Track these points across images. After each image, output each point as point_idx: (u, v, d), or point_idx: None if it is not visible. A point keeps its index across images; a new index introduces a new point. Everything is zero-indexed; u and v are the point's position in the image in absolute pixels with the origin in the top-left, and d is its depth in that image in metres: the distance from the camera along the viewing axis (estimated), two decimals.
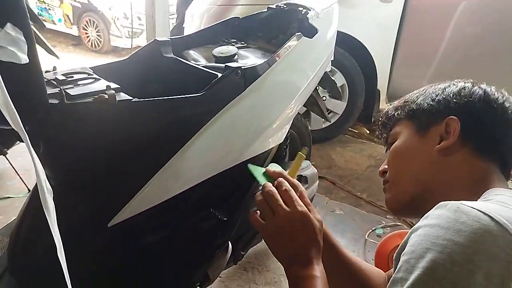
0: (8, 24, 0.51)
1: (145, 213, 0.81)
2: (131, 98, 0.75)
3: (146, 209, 0.81)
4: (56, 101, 0.69)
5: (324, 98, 2.45)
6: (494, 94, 0.66)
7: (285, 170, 0.72)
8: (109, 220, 0.79)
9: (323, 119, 2.45)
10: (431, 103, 0.69)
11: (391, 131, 0.77)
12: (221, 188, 0.93)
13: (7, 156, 1.82)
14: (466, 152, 0.64)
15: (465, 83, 0.70)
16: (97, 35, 5.99)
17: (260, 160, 0.98)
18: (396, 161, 0.73)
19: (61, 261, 0.55)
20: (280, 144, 1.08)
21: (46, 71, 0.83)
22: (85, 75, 0.80)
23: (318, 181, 1.36)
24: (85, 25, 6.03)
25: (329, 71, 1.31)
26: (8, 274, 0.84)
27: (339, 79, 2.54)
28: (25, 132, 0.55)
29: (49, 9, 6.14)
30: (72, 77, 0.79)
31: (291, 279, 0.63)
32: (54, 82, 0.75)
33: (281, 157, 1.37)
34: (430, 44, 2.54)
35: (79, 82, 0.77)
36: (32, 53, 0.58)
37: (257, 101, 0.93)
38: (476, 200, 0.56)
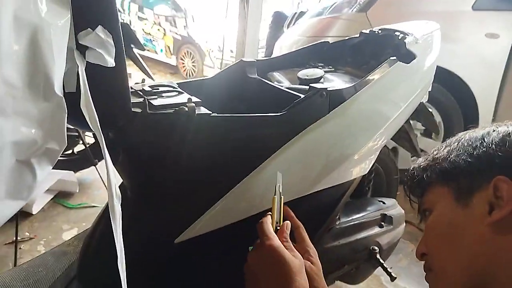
0: (99, 27, 0.52)
1: (212, 233, 0.78)
2: (210, 112, 0.73)
3: (214, 230, 0.78)
4: (139, 110, 0.70)
5: (417, 135, 2.26)
6: None
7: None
8: (177, 236, 0.77)
9: (412, 157, 2.26)
10: (469, 159, 0.54)
11: (423, 197, 0.62)
12: (296, 215, 0.85)
13: (97, 166, 1.97)
14: None
15: (508, 126, 0.55)
16: (192, 65, 6.43)
17: (339, 191, 0.90)
18: (436, 242, 0.57)
19: (120, 270, 0.52)
20: (363, 177, 0.99)
21: (136, 83, 0.86)
22: (170, 88, 0.81)
23: (404, 224, 1.22)
24: (183, 56, 6.52)
25: (426, 101, 1.19)
26: (77, 281, 0.85)
27: (435, 117, 2.34)
28: (102, 135, 0.55)
29: (153, 40, 6.77)
30: (158, 89, 0.80)
31: None
32: (140, 93, 0.76)
33: (363, 192, 1.26)
34: None
35: (164, 94, 0.78)
36: (119, 58, 0.59)
37: (340, 127, 0.86)
38: None
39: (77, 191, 2.13)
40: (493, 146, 0.53)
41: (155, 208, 0.79)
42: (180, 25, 6.46)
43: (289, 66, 1.12)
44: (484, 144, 0.54)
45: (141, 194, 0.81)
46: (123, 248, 0.56)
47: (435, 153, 0.63)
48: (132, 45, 2.00)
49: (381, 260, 1.01)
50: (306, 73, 1.00)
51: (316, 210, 0.88)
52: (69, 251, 1.05)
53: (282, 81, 1.04)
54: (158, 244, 0.79)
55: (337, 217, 0.98)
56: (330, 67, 1.12)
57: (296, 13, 3.49)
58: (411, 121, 1.43)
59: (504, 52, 2.28)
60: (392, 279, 0.96)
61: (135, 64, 2.02)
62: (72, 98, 0.53)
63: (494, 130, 0.56)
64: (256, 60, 1.06)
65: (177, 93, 0.80)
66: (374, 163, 1.25)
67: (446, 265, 0.54)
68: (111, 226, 0.85)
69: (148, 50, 6.85)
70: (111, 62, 0.57)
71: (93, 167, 2.01)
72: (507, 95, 2.34)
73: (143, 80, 0.86)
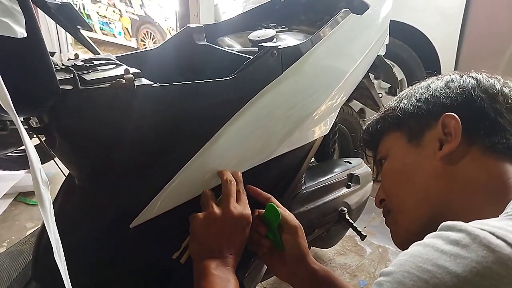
0: None
1: (171, 213, 0.73)
2: (151, 82, 0.67)
3: (172, 209, 0.73)
4: (69, 87, 0.63)
5: (380, 95, 2.26)
6: (488, 81, 0.56)
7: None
8: (132, 221, 0.72)
9: None
10: (417, 103, 0.58)
11: (378, 148, 0.64)
12: (257, 184, 0.82)
13: (56, 159, 1.86)
14: (476, 153, 0.52)
15: (450, 75, 0.60)
16: (154, 45, 6.21)
17: (301, 154, 0.86)
18: (393, 185, 0.60)
19: (58, 263, 0.47)
20: (326, 138, 0.95)
21: (69, 59, 0.78)
22: (106, 61, 0.74)
23: (372, 182, 1.21)
24: (143, 37, 6.27)
25: (383, 55, 1.15)
26: (33, 279, 0.80)
27: (398, 74, 2.33)
28: (17, 116, 0.48)
29: (110, 23, 6.46)
30: (92, 63, 0.73)
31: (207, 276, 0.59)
32: (72, 69, 0.69)
33: (328, 154, 1.24)
34: (501, 32, 2.25)
35: (99, 68, 0.71)
36: (32, 29, 0.52)
37: (296, 86, 0.81)
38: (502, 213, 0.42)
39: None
40: (438, 89, 0.57)
41: (105, 194, 0.74)
42: (136, 4, 6.17)
43: (239, 29, 1.06)
44: (430, 89, 0.59)
45: (88, 180, 0.75)
46: (59, 239, 0.50)
47: (386, 106, 0.66)
48: (78, 26, 1.88)
49: (350, 221, 0.99)
50: (258, 34, 0.94)
51: (279, 176, 0.85)
52: (25, 250, 0.99)
53: (233, 45, 0.98)
54: (114, 231, 0.73)
55: (302, 181, 0.95)
56: (283, 26, 1.06)
57: None
58: (374, 81, 1.41)
59: (460, 2, 2.28)
60: (362, 237, 0.95)
61: (84, 46, 1.90)
62: None
63: (438, 79, 0.61)
64: (204, 25, 0.99)
65: (115, 65, 0.73)
66: (336, 124, 1.23)
67: (404, 202, 0.57)
68: (61, 220, 0.79)
69: (106, 34, 6.55)
70: (21, 32, 0.50)
71: (52, 161, 1.91)
72: (466, 47, 2.36)
73: (76, 56, 0.78)
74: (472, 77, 0.57)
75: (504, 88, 0.55)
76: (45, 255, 0.79)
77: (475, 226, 0.35)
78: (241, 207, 0.67)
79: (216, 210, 0.65)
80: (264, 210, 0.72)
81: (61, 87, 0.61)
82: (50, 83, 0.59)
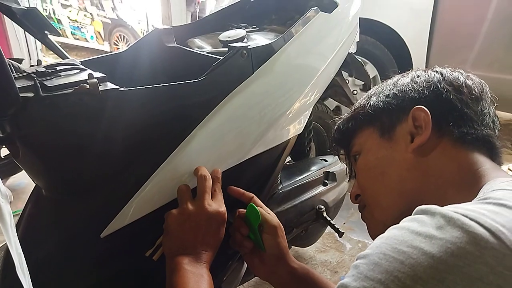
0: None
1: (143, 221, 0.71)
2: (117, 87, 0.65)
3: (144, 216, 0.71)
4: (30, 95, 0.60)
5: (355, 92, 2.28)
6: (452, 74, 0.58)
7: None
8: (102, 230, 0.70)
9: None
10: (387, 99, 0.60)
11: (351, 145, 0.65)
12: (233, 185, 0.80)
13: None
14: (447, 144, 0.53)
15: (415, 71, 0.62)
16: None
17: (276, 153, 0.85)
18: (368, 179, 0.61)
19: (21, 277, 0.45)
20: (301, 137, 0.95)
21: (31, 66, 0.75)
22: (70, 67, 0.72)
23: (348, 179, 1.21)
24: (116, 41, 6.15)
25: (354, 52, 1.16)
26: None
27: (371, 71, 2.37)
28: None
29: (81, 27, 6.31)
30: (55, 69, 0.70)
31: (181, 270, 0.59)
32: (33, 75, 0.66)
33: (304, 153, 1.24)
34: (470, 25, 2.31)
35: (62, 74, 0.69)
36: None
37: (268, 86, 0.81)
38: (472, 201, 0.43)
39: (12, 199, 1.96)
40: (405, 84, 0.59)
41: (73, 204, 0.71)
42: (107, 7, 6.05)
43: (210, 30, 1.05)
44: (397, 85, 0.60)
45: (55, 190, 0.72)
46: (21, 253, 0.48)
47: (355, 105, 0.67)
48: (46, 32, 1.83)
49: (328, 218, 0.99)
50: (228, 34, 0.93)
51: (254, 177, 0.84)
52: None
53: (203, 46, 0.96)
54: (84, 242, 0.71)
55: (279, 181, 0.95)
56: (254, 26, 1.05)
57: None
58: (348, 79, 1.42)
59: None
60: (340, 235, 0.96)
61: (53, 52, 1.85)
62: None
63: (403, 76, 0.62)
64: (173, 27, 0.97)
65: (78, 70, 0.71)
66: (311, 122, 1.23)
67: (379, 196, 0.58)
68: (30, 232, 0.76)
69: (78, 39, 6.40)
70: None
71: (24, 171, 1.85)
72: (436, 42, 2.40)
73: (39, 62, 0.75)
74: (437, 72, 0.59)
75: (467, 81, 0.56)
76: (14, 270, 0.76)
77: (449, 209, 0.36)
78: (216, 205, 0.66)
79: (190, 206, 0.65)
80: (245, 210, 0.72)
81: (21, 94, 0.58)
82: (8, 91, 0.56)
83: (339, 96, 1.34)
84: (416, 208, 0.40)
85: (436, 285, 0.31)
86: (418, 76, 0.59)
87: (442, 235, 0.33)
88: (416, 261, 0.33)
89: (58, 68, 0.70)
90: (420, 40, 2.39)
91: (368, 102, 0.62)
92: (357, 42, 1.19)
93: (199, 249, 0.63)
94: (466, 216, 0.34)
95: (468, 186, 0.48)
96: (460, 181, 0.50)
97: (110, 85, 0.66)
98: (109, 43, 6.21)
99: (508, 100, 1.72)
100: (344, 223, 1.81)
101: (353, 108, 0.67)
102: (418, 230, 0.35)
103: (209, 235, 0.64)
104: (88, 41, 6.39)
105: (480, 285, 0.31)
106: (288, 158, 1.28)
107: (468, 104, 0.54)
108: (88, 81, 0.63)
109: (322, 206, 1.01)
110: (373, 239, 0.60)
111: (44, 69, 0.69)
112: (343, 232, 0.96)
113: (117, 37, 6.15)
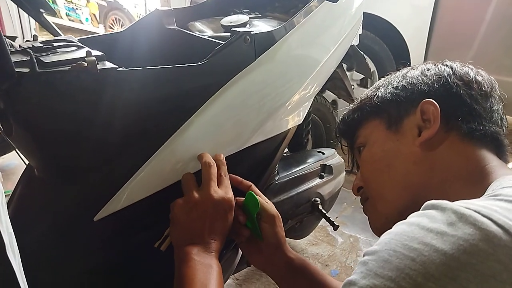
0: None
1: (138, 206, 0.69)
2: (116, 66, 0.63)
3: (139, 201, 0.69)
4: (26, 70, 0.58)
5: (353, 86, 2.28)
6: (462, 69, 0.57)
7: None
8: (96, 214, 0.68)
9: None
10: (395, 91, 0.58)
11: (355, 137, 0.64)
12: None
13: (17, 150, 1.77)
14: (455, 139, 0.52)
15: (425, 64, 0.60)
16: None
17: (274, 144, 0.84)
18: (372, 171, 0.60)
19: (11, 258, 0.43)
20: (299, 128, 0.94)
21: (26, 41, 0.73)
22: (67, 43, 0.69)
23: (344, 173, 1.21)
24: (111, 24, 6.05)
25: (357, 45, 1.15)
26: None
27: (369, 66, 2.36)
28: None
29: (76, 8, 6.19)
30: (52, 45, 0.68)
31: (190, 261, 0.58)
32: (29, 50, 0.64)
33: (301, 145, 1.23)
34: (469, 25, 2.31)
35: (58, 50, 0.66)
36: None
37: (269, 75, 0.79)
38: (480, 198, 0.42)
39: (2, 179, 1.92)
40: (415, 77, 0.57)
41: (67, 185, 0.69)
42: None
43: (211, 14, 1.02)
44: (407, 77, 0.59)
45: (48, 171, 0.70)
46: (12, 233, 0.46)
47: (362, 96, 0.65)
48: (41, 10, 1.78)
49: (323, 211, 0.99)
50: (230, 19, 0.91)
51: (252, 167, 0.83)
52: None
53: (204, 30, 0.94)
54: (77, 225, 0.69)
55: (276, 172, 0.94)
56: (256, 13, 1.03)
57: None
58: (347, 73, 1.40)
59: None
60: (335, 228, 0.95)
61: (47, 31, 1.81)
62: None
63: (413, 69, 0.61)
64: (174, 9, 0.95)
65: (76, 48, 0.68)
66: (310, 114, 1.22)
67: (384, 188, 0.57)
68: (20, 214, 0.74)
69: (72, 20, 6.27)
70: None
71: (14, 151, 1.81)
72: (436, 39, 2.40)
73: (35, 37, 0.72)
74: (447, 66, 0.57)
75: (477, 76, 0.55)
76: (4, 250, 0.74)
77: (460, 205, 0.35)
78: (222, 191, 0.65)
79: (196, 194, 0.63)
80: (244, 199, 0.71)
81: (16, 69, 0.56)
82: (3, 65, 0.54)
83: (338, 89, 1.33)
84: (426, 203, 0.38)
85: (449, 282, 0.30)
86: (428, 69, 0.58)
87: (454, 231, 0.32)
88: (428, 258, 0.32)
89: (55, 44, 0.68)
90: (419, 37, 2.39)
91: (376, 94, 0.61)
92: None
93: (207, 238, 0.62)
94: (479, 213, 0.33)
95: (475, 182, 0.48)
96: (467, 176, 0.49)
97: (109, 64, 0.63)
98: (104, 26, 6.10)
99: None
100: (337, 217, 1.82)
101: (359, 99, 0.65)
102: (429, 226, 0.34)
103: (217, 223, 0.63)
104: (83, 23, 6.28)
105: (493, 283, 0.30)
106: (285, 150, 1.27)
107: (478, 100, 0.53)
108: (86, 58, 0.61)
109: (318, 199, 1.00)
110: (375, 232, 0.60)
111: (41, 45, 0.66)
112: (338, 226, 0.96)
113: (113, 20, 6.04)
